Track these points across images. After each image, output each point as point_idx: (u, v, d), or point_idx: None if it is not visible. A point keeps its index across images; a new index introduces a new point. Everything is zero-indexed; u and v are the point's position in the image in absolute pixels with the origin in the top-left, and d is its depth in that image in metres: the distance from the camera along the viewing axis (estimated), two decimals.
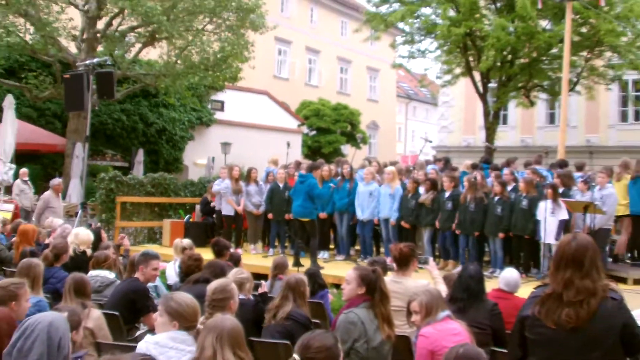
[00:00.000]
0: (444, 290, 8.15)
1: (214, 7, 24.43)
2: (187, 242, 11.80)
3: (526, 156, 23.39)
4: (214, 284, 6.73)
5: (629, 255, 16.51)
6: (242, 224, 18.79)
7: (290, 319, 7.40)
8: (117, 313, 8.21)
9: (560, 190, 14.83)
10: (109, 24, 25.75)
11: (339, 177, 17.93)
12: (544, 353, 4.73)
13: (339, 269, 14.98)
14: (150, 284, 9.27)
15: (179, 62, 26.02)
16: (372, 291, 6.58)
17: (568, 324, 4.55)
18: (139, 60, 28.89)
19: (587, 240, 4.77)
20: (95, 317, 7.22)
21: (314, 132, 44.32)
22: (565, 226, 14.30)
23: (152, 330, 8.59)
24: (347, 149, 45.37)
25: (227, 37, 26.01)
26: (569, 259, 4.67)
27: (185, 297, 5.88)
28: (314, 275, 10.12)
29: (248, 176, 18.81)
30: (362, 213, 17.10)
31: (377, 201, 16.96)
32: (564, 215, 14.25)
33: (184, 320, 5.65)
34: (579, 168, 17.61)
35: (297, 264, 15.33)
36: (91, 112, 18.52)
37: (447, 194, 16.13)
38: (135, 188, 20.69)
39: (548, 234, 14.19)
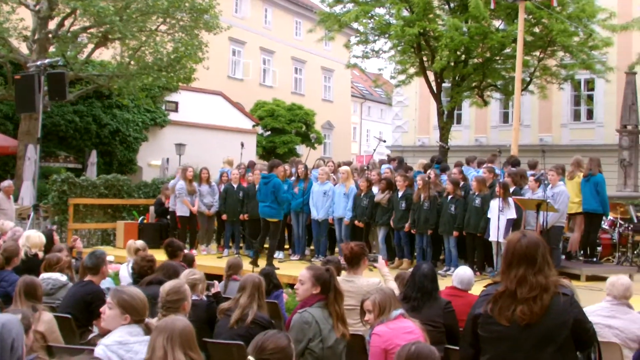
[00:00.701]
0: (395, 288, 8.18)
1: (167, 7, 24.28)
2: (140, 243, 11.72)
3: (480, 155, 23.53)
4: (167, 285, 6.69)
5: (582, 252, 16.68)
6: (196, 224, 18.71)
7: (255, 322, 7.35)
8: (69, 316, 8.12)
9: (512, 188, 14.95)
10: (60, 25, 25.49)
11: (294, 177, 17.93)
12: (497, 350, 4.76)
13: (294, 269, 14.95)
14: (104, 286, 9.19)
15: (132, 62, 25.87)
16: (327, 290, 6.59)
17: (523, 320, 4.59)
18: (91, 61, 28.66)
19: (536, 237, 4.85)
20: (46, 320, 7.13)
21: (268, 133, 44.30)
22: (514, 225, 14.40)
23: (103, 334, 8.55)
24: (301, 149, 45.31)
25: (181, 38, 25.90)
26: (521, 256, 4.71)
27: (136, 290, 5.89)
28: (269, 275, 10.11)
29: (199, 177, 18.75)
30: (317, 213, 17.12)
31: (331, 201, 16.99)
32: (512, 214, 14.38)
33: (136, 314, 5.63)
34: (532, 167, 17.74)
35: (255, 263, 15.33)
36: (43, 114, 18.33)
37: (400, 194, 16.20)
38: (88, 190, 20.53)
39: (495, 232, 14.31)
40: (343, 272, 8.38)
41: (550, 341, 4.62)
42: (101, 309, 5.89)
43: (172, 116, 35.73)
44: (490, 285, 5.08)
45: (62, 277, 9.53)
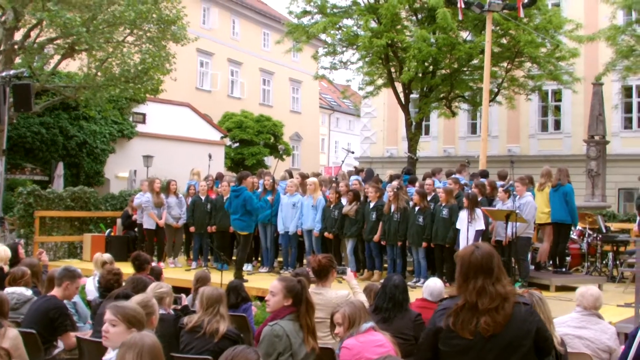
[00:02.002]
0: (364, 300, 8.13)
1: (134, 18, 24.13)
2: (107, 256, 11.59)
3: (448, 166, 23.58)
4: (135, 299, 6.58)
5: (551, 262, 16.72)
6: (164, 237, 18.57)
7: (226, 337, 7.24)
8: (34, 331, 7.98)
9: (480, 199, 14.97)
10: (27, 36, 25.27)
11: (260, 189, 17.87)
12: None
13: (263, 281, 14.90)
14: (68, 301, 9.05)
15: (99, 74, 25.70)
16: (298, 302, 6.52)
17: (487, 331, 4.56)
18: (58, 73, 28.47)
19: (489, 248, 4.84)
20: (11, 337, 6.96)
21: (236, 144, 44.20)
22: (482, 236, 14.42)
23: (68, 350, 8.42)
24: (270, 160, 45.28)
25: (148, 49, 25.75)
26: (477, 267, 4.69)
27: (133, 304, 5.83)
28: (237, 288, 10.02)
29: (167, 189, 18.64)
30: (286, 224, 17.06)
31: (300, 213, 16.93)
32: (480, 225, 14.36)
33: (141, 326, 5.53)
34: (502, 177, 17.78)
35: (239, 276, 15.25)
36: (9, 125, 18.22)
37: (372, 205, 16.17)
38: (54, 202, 20.36)
39: (465, 243, 14.30)
40: (312, 285, 8.31)
41: (514, 351, 4.60)
42: (103, 328, 5.71)
43: (140, 128, 35.57)
44: (447, 299, 5.04)
45: (27, 292, 9.38)
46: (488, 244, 4.91)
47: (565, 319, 8.01)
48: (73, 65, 27.95)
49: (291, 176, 19.09)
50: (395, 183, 16.49)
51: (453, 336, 4.68)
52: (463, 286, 4.73)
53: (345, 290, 8.43)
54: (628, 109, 36.18)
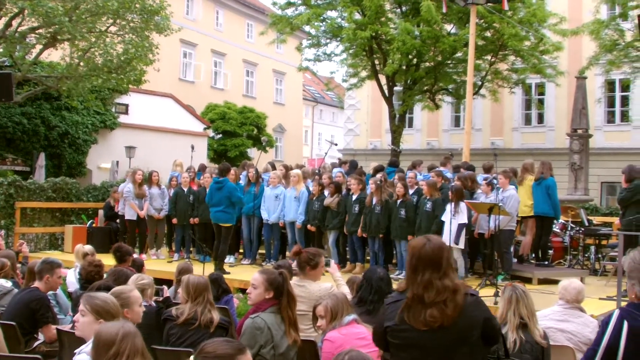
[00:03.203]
0: (347, 292, 8.10)
1: (117, 8, 23.97)
2: (88, 247, 11.53)
3: (432, 159, 23.61)
4: (112, 290, 6.52)
5: (534, 255, 16.76)
6: (146, 229, 18.51)
7: (220, 326, 7.22)
8: (14, 323, 7.92)
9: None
10: (8, 25, 25.02)
11: (243, 182, 17.85)
12: (411, 355, 4.77)
13: (246, 273, 14.87)
14: (49, 292, 8.99)
15: (81, 64, 25.49)
16: (280, 295, 6.49)
17: (434, 323, 4.60)
18: (40, 62, 28.30)
19: (440, 242, 4.88)
20: None
21: (219, 136, 44.08)
22: (464, 229, 14.45)
23: (49, 342, 8.36)
24: (253, 152, 45.19)
25: (131, 39, 25.58)
26: (426, 260, 4.72)
27: (107, 295, 5.77)
28: (218, 281, 9.98)
29: (149, 180, 18.58)
30: (269, 216, 17.04)
31: (282, 204, 16.91)
32: (463, 219, 14.38)
33: (111, 318, 5.47)
34: (487, 170, 17.79)
35: (221, 270, 15.23)
36: None
37: (354, 197, 16.15)
38: (35, 193, 20.31)
39: (447, 237, 14.31)
40: (294, 277, 8.28)
41: (464, 342, 4.66)
42: (74, 317, 5.70)
43: (122, 118, 35.37)
44: (394, 293, 5.09)
45: (7, 284, 9.33)
46: (439, 237, 4.94)
47: (548, 313, 8.02)
48: (55, 55, 27.77)
49: (274, 168, 19.09)
50: (379, 175, 16.48)
51: (404, 328, 4.73)
52: (411, 278, 4.79)
53: (329, 283, 8.39)
54: (611, 103, 36.32)
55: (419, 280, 4.70)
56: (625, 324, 4.56)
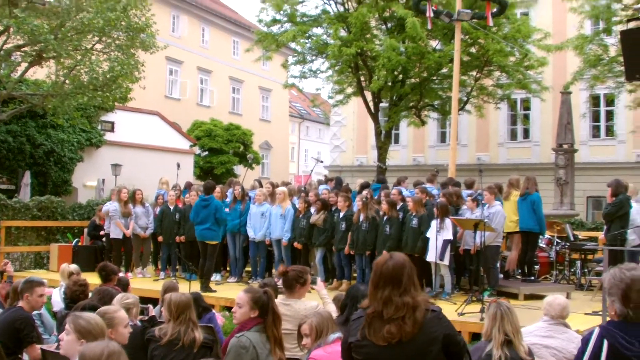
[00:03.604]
0: (333, 310, 8.08)
1: (103, 26, 23.95)
2: (74, 267, 11.49)
3: (418, 175, 23.63)
4: (98, 311, 6.49)
5: (520, 271, 16.77)
6: (131, 247, 18.47)
7: (203, 346, 7.21)
8: None
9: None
10: None
11: (229, 199, 17.84)
12: None
13: (232, 291, 14.83)
14: (34, 312, 8.95)
15: (67, 82, 25.46)
16: (265, 313, 6.47)
17: (392, 339, 4.62)
18: (25, 80, 28.21)
19: (403, 259, 4.88)
20: None
21: (206, 153, 44.06)
22: (450, 246, 14.47)
23: None
24: (239, 169, 45.18)
25: (117, 57, 25.56)
26: (387, 277, 4.75)
27: (92, 316, 5.73)
28: (197, 300, 9.94)
29: (133, 198, 18.53)
30: (255, 234, 17.03)
31: (268, 222, 16.91)
32: (448, 235, 14.39)
33: (93, 338, 5.44)
34: (469, 185, 17.81)
35: (207, 288, 15.25)
36: None
37: (341, 214, 16.17)
38: (20, 212, 20.24)
39: (432, 253, 14.34)
40: (280, 296, 8.26)
41: (423, 358, 4.68)
42: (60, 336, 5.69)
43: (108, 136, 35.32)
44: (359, 310, 5.09)
45: None
46: (403, 255, 4.97)
47: (532, 329, 8.03)
48: (41, 73, 27.72)
49: (261, 185, 19.08)
50: (365, 192, 16.48)
51: (365, 344, 4.76)
52: (373, 294, 4.81)
53: (315, 301, 8.38)
54: (596, 117, 36.50)
55: (379, 296, 4.73)
56: (605, 343, 4.57)
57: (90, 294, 9.23)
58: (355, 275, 16.47)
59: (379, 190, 17.67)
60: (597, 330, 4.67)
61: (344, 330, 5.22)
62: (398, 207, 15.76)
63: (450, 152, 20.77)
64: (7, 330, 8.27)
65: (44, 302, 9.20)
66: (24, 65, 25.89)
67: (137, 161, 34.89)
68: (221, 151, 43.99)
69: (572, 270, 18.32)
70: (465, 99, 30.63)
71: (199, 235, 16.06)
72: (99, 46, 25.95)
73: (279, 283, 8.67)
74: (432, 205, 15.21)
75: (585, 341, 4.83)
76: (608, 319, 4.80)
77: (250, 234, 17.18)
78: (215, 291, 15.36)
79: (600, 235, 18.07)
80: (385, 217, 15.42)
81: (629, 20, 15.41)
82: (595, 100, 35.50)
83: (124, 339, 6.35)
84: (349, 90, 32.73)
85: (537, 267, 17.86)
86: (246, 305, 6.49)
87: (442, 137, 40.39)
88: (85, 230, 20.38)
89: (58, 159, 32.19)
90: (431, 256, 14.50)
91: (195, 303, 8.96)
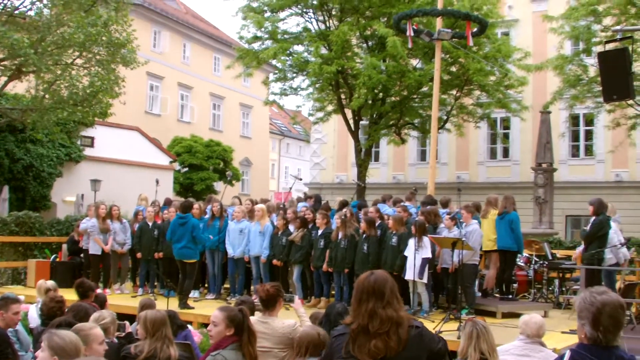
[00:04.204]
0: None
1: (83, 41, 23.85)
2: (50, 283, 11.43)
3: (398, 193, 23.64)
4: (73, 328, 6.46)
5: (498, 289, 16.81)
6: (110, 263, 18.41)
7: None
8: None
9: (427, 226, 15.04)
10: None
11: (208, 215, 17.83)
12: None
13: (210, 308, 14.77)
14: (10, 329, 8.90)
15: (47, 96, 25.33)
16: (240, 331, 6.45)
17: (377, 355, 4.66)
18: (5, 94, 28.11)
19: (384, 274, 4.95)
20: None
21: (186, 169, 43.95)
22: (428, 264, 14.50)
23: None
24: (219, 185, 45.08)
25: (97, 72, 25.45)
26: (370, 291, 4.80)
27: (68, 334, 5.67)
28: (172, 317, 9.90)
29: (109, 214, 18.47)
30: (233, 251, 17.01)
31: (247, 239, 16.89)
32: (427, 253, 14.42)
33: (65, 356, 5.41)
34: (444, 204, 17.85)
35: (185, 306, 15.24)
36: None
37: (320, 232, 16.17)
38: None
39: (411, 271, 14.36)
40: (257, 313, 8.25)
41: None
42: (36, 353, 5.67)
43: (88, 151, 35.16)
44: (341, 326, 5.13)
45: None
46: (384, 271, 5.05)
47: (509, 347, 8.05)
48: (20, 87, 27.64)
49: (241, 202, 19.07)
50: (345, 210, 16.50)
51: (349, 358, 4.79)
52: (356, 310, 4.84)
53: (292, 319, 8.37)
54: (575, 137, 36.70)
55: (364, 310, 4.76)
56: None
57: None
58: (333, 292, 16.45)
59: (355, 207, 17.75)
60: (568, 354, 4.68)
61: (327, 348, 5.30)
62: (376, 224, 15.78)
63: (429, 171, 20.83)
64: None
65: (19, 319, 9.15)
66: (4, 79, 25.77)
67: (117, 177, 34.77)
68: (201, 167, 43.89)
69: (550, 288, 18.40)
70: (445, 117, 30.79)
71: (177, 254, 16.03)
72: (79, 61, 25.85)
73: (257, 300, 8.66)
74: (410, 223, 15.24)
75: None
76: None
77: (229, 250, 17.16)
78: (193, 308, 15.33)
79: (575, 252, 18.17)
80: (364, 235, 15.44)
81: (607, 42, 15.52)
82: (574, 119, 35.75)
83: (99, 356, 6.31)
84: (330, 107, 32.81)
85: (515, 285, 17.92)
86: (222, 323, 6.48)
87: (422, 155, 40.43)
88: (64, 246, 20.29)
89: (37, 174, 32.02)
90: (409, 274, 14.53)
91: (170, 321, 8.94)
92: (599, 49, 21.05)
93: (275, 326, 7.86)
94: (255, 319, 7.83)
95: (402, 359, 4.70)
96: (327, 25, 30.24)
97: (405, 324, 4.74)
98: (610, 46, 14.73)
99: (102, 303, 10.53)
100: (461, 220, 15.05)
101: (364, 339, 4.72)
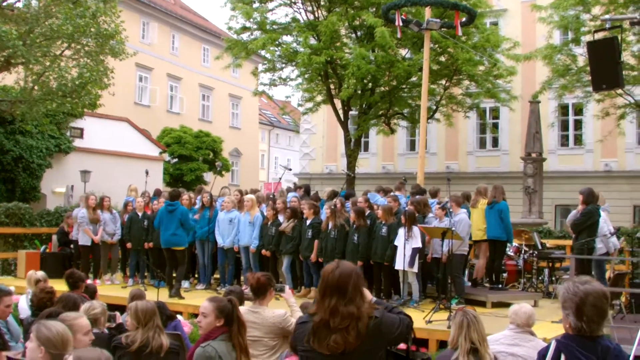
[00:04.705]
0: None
1: (72, 32, 23.77)
2: (41, 274, 11.41)
3: (387, 182, 23.67)
4: (58, 318, 6.44)
5: (487, 279, 16.84)
6: (100, 254, 18.40)
7: (170, 351, 7.21)
8: None
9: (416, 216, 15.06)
10: None
11: (198, 205, 17.83)
12: None
13: (200, 299, 14.76)
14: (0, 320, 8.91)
15: (36, 88, 25.26)
16: (230, 322, 6.45)
17: (336, 350, 4.74)
18: None
19: (350, 268, 4.98)
20: None
21: (175, 160, 43.88)
22: (418, 254, 14.52)
23: None
24: (209, 176, 45.06)
25: (86, 64, 25.37)
26: (333, 286, 4.85)
27: (57, 325, 5.63)
28: (161, 308, 9.90)
29: (100, 205, 18.46)
30: (223, 241, 17.01)
31: (236, 229, 16.89)
32: (417, 243, 14.45)
33: (52, 347, 5.40)
34: (433, 194, 17.86)
35: (178, 294, 15.28)
36: None
37: (308, 222, 16.17)
38: None
39: (401, 261, 14.39)
40: (247, 302, 8.26)
41: None
42: (26, 343, 5.68)
43: (77, 143, 35.05)
44: (306, 314, 5.25)
45: None
46: (351, 264, 5.14)
47: (499, 337, 8.08)
48: (9, 79, 27.54)
49: (229, 192, 19.09)
50: (335, 200, 16.50)
51: (310, 351, 4.89)
52: (320, 303, 4.92)
53: (283, 309, 8.38)
54: (564, 126, 36.74)
55: (326, 305, 4.82)
56: (563, 357, 4.60)
57: None
58: None
59: (344, 197, 17.77)
60: (553, 344, 4.70)
61: (295, 333, 5.32)
62: (367, 214, 15.79)
63: (418, 161, 20.85)
64: None
65: (10, 312, 9.17)
66: None
67: (106, 168, 34.69)
68: (191, 158, 43.84)
69: (540, 278, 18.45)
70: (434, 107, 30.82)
71: (165, 242, 16.07)
72: (68, 52, 25.77)
73: (247, 291, 8.66)
74: (400, 213, 15.26)
75: (541, 355, 4.85)
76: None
77: (219, 241, 17.16)
78: (183, 298, 15.35)
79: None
80: (354, 226, 15.46)
81: (596, 31, 15.56)
82: (563, 109, 35.78)
83: (85, 347, 6.30)
84: (319, 98, 32.80)
85: (505, 275, 17.97)
86: (211, 314, 6.48)
87: (412, 145, 40.42)
88: (54, 237, 20.28)
89: (26, 166, 31.92)
90: (399, 264, 14.56)
91: (159, 311, 8.95)
92: (588, 38, 21.14)
93: (265, 315, 7.87)
94: (246, 308, 7.84)
95: (361, 353, 4.79)
96: (316, 15, 30.21)
97: (365, 318, 4.80)
98: (599, 35, 14.78)
99: (92, 294, 10.54)
100: (451, 210, 15.07)
101: (325, 332, 4.79)
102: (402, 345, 5.88)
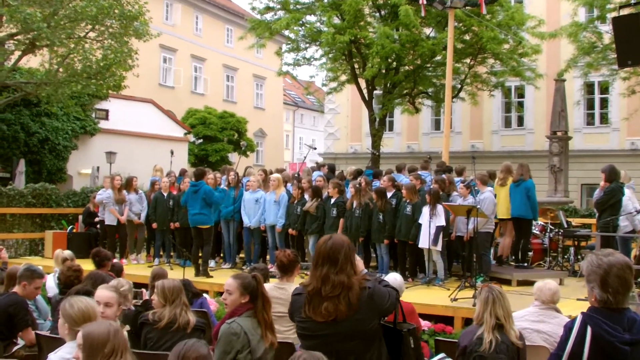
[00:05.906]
0: None
1: (96, 14, 23.83)
2: (68, 253, 11.49)
3: (412, 162, 23.62)
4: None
5: (513, 257, 16.79)
6: (125, 234, 18.52)
7: (196, 328, 7.29)
8: None
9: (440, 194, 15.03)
10: None
11: (224, 185, 17.87)
12: (309, 344, 5.10)
13: (226, 277, 14.79)
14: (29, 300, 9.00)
15: (60, 70, 25.34)
16: (255, 298, 6.48)
17: (329, 316, 4.97)
18: (19, 69, 28.10)
19: (342, 240, 5.24)
20: None
21: (200, 141, 43.97)
22: (442, 232, 14.51)
23: (29, 346, 8.36)
24: (234, 157, 45.16)
25: (110, 45, 25.46)
26: (325, 256, 5.12)
27: (79, 301, 5.76)
28: (187, 286, 9.96)
29: (128, 185, 18.55)
30: (249, 220, 17.05)
31: (262, 208, 16.92)
32: (441, 221, 14.43)
33: (74, 324, 5.50)
34: (459, 173, 17.81)
35: (206, 273, 15.38)
36: None
37: (332, 201, 16.18)
38: (15, 199, 20.26)
39: (425, 239, 14.39)
40: (272, 280, 8.31)
41: (357, 334, 5.08)
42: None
43: (103, 124, 35.20)
44: (301, 286, 5.44)
45: None
46: (343, 236, 5.36)
47: (523, 313, 8.06)
48: (34, 61, 27.64)
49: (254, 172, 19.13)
50: (360, 179, 16.51)
51: (306, 319, 5.13)
52: (313, 273, 5.18)
53: None
54: (590, 105, 36.55)
55: (318, 274, 5.07)
56: (589, 330, 4.60)
57: None
58: None
59: (371, 176, 17.76)
60: (579, 317, 4.69)
61: (289, 305, 5.60)
62: (390, 194, 15.78)
63: (443, 140, 20.82)
64: (1, 315, 8.30)
65: (38, 294, 9.26)
66: (17, 53, 25.81)
67: (131, 149, 34.81)
68: (215, 139, 43.90)
69: (566, 256, 18.37)
70: (459, 86, 30.71)
71: (192, 221, 16.14)
72: (92, 34, 25.84)
73: (272, 269, 8.71)
74: (424, 192, 15.24)
75: (568, 329, 4.84)
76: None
77: (245, 220, 17.22)
78: (212, 277, 15.44)
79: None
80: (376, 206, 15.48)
81: (621, 7, 15.44)
82: (589, 87, 35.60)
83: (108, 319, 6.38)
84: (343, 77, 32.73)
85: (530, 253, 17.90)
86: (236, 291, 6.51)
87: (436, 125, 40.33)
88: (80, 217, 20.42)
89: (52, 147, 32.10)
90: (424, 242, 14.56)
91: (185, 289, 9.02)
92: (614, 15, 20.95)
93: (291, 292, 7.90)
94: (272, 285, 7.92)
95: (353, 321, 4.99)
96: None
97: (356, 288, 5.01)
98: (624, 11, 14.64)
99: (118, 272, 10.60)
100: (476, 188, 15.03)
101: (318, 301, 5.03)
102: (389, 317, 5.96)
